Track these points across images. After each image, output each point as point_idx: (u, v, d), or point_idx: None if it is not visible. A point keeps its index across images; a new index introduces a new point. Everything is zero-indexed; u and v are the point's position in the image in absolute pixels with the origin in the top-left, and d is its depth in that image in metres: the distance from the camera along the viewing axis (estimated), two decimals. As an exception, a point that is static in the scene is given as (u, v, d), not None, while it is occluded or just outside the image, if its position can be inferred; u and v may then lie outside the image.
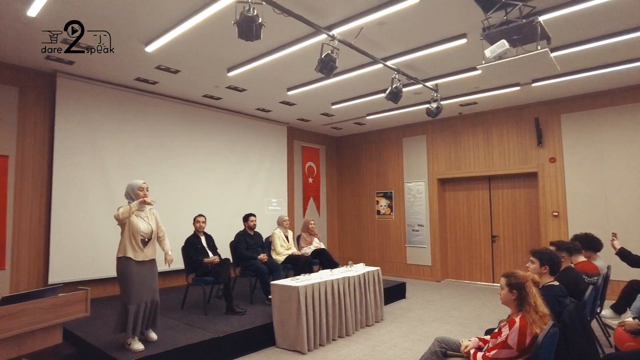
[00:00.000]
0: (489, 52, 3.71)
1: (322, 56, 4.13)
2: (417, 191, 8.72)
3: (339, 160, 10.38)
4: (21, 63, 5.29)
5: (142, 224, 3.81)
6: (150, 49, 4.75)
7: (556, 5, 3.88)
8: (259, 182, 8.13)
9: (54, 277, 5.24)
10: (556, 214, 7.05)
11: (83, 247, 5.56)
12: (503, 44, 3.65)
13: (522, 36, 3.68)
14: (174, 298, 5.53)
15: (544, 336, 2.22)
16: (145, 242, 3.81)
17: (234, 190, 7.63)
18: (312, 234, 6.79)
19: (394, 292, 6.63)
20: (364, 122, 8.72)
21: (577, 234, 4.70)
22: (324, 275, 4.85)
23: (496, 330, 2.52)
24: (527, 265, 3.08)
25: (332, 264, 6.07)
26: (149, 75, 5.79)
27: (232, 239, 5.86)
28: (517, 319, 2.35)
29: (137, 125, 6.36)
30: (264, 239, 6.10)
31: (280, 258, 6.01)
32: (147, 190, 3.92)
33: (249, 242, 5.68)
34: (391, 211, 9.15)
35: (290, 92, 6.50)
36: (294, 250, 6.26)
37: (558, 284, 2.99)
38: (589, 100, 6.83)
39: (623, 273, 5.33)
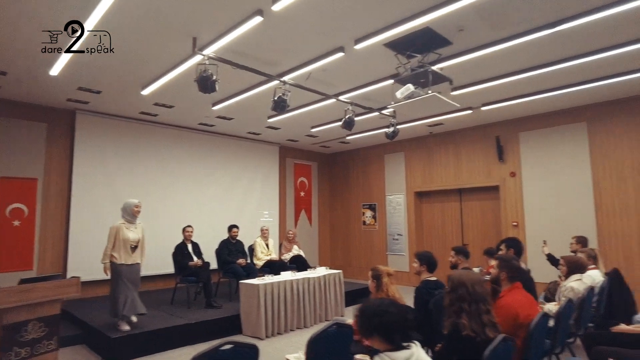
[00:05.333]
0: (399, 93, 4.62)
1: (275, 98, 5.15)
2: (396, 203, 9.55)
3: (330, 175, 11.34)
4: (49, 104, 6.58)
5: (132, 234, 4.90)
6: (145, 92, 5.92)
7: (458, 53, 4.76)
8: (252, 196, 9.19)
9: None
10: (515, 224, 7.73)
11: (95, 253, 6.69)
12: (409, 87, 4.55)
13: (426, 80, 4.57)
14: (167, 296, 6.58)
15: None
16: (133, 249, 4.90)
17: (228, 204, 8.71)
18: (292, 242, 7.76)
19: (363, 294, 7.47)
20: (347, 141, 9.66)
21: (504, 238, 5.43)
22: (286, 276, 5.80)
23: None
24: (412, 264, 3.93)
25: (306, 268, 6.99)
26: (149, 110, 6.98)
27: (223, 247, 6.92)
28: (373, 301, 3.23)
29: (143, 150, 7.56)
30: (245, 247, 7.11)
31: (260, 263, 7.01)
32: (140, 208, 5.03)
33: (230, 248, 6.71)
34: (375, 222, 10.00)
35: (270, 120, 7.56)
36: (273, 256, 7.24)
37: (435, 279, 3.83)
38: (544, 119, 7.50)
39: (547, 276, 5.96)
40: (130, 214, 4.95)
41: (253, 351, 2.36)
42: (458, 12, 3.83)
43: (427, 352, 2.90)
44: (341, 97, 6.07)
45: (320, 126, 8.10)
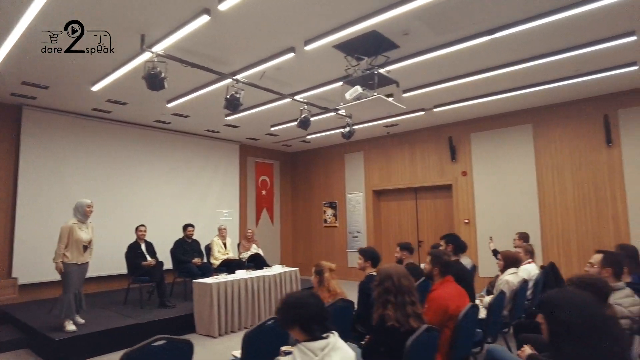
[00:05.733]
0: (348, 94, 4.72)
1: (228, 96, 5.16)
2: (356, 201, 9.73)
3: (292, 174, 11.40)
4: (-9, 99, 6.31)
5: (84, 234, 4.82)
6: (95, 88, 5.77)
7: (405, 56, 4.92)
8: (211, 195, 9.11)
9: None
10: (467, 221, 8.05)
11: (43, 254, 6.46)
12: (357, 89, 4.66)
13: (373, 82, 4.70)
14: (120, 297, 6.44)
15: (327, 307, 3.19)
16: (85, 248, 4.82)
17: (187, 203, 8.60)
18: (251, 241, 7.77)
19: (321, 291, 7.58)
20: (308, 140, 9.74)
21: (444, 234, 5.65)
22: (240, 275, 5.82)
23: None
24: (357, 260, 4.07)
25: (263, 267, 7.02)
26: (102, 107, 6.80)
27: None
28: (315, 296, 3.33)
29: (97, 148, 7.35)
30: (202, 246, 7.07)
31: (216, 262, 6.98)
32: (92, 208, 4.97)
33: (186, 248, 6.66)
34: (336, 220, 10.15)
35: (228, 118, 7.53)
36: (230, 255, 7.23)
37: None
38: (493, 120, 7.84)
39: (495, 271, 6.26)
40: (83, 213, 4.90)
41: (187, 347, 2.39)
42: (401, 17, 3.97)
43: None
44: (297, 97, 6.14)
45: (280, 125, 8.14)
